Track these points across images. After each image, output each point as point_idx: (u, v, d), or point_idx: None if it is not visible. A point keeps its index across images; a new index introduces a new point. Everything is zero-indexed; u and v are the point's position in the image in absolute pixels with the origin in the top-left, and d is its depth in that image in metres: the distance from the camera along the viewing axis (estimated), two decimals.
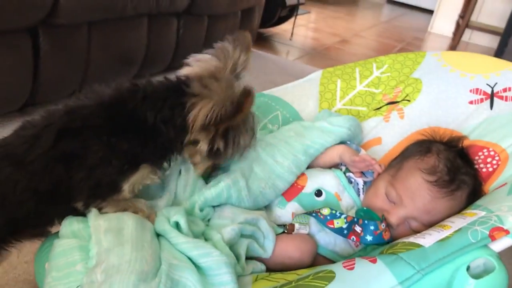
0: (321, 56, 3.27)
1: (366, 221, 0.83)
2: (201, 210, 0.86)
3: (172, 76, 0.84)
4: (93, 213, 0.78)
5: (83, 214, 0.79)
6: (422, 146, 0.94)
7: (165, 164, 0.85)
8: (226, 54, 0.85)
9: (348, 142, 1.01)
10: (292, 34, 3.41)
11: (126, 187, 0.79)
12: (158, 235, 0.78)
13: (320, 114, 1.11)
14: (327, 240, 0.88)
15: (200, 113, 0.76)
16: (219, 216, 0.86)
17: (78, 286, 0.69)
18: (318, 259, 0.86)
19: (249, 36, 0.88)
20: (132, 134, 0.78)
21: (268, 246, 0.82)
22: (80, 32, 1.64)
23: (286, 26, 3.55)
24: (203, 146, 0.81)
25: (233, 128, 0.81)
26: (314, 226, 0.88)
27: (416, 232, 0.83)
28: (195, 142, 0.81)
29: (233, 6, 2.50)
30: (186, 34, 2.21)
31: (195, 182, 0.89)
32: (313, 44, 3.62)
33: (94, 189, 0.77)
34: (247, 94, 0.77)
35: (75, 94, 0.83)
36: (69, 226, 0.78)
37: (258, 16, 2.86)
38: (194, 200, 0.86)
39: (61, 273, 0.71)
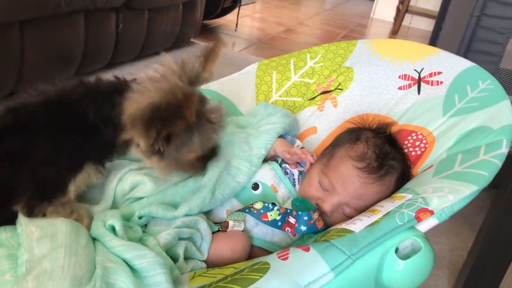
0: (266, 46, 3.29)
1: (299, 212, 0.84)
2: (140, 217, 0.84)
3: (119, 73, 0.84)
4: (23, 219, 0.75)
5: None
6: (351, 134, 0.97)
7: (108, 164, 0.84)
8: (184, 61, 0.82)
9: (283, 134, 1.02)
10: (237, 25, 3.40)
11: (72, 188, 0.78)
12: (94, 239, 0.77)
13: (257, 107, 1.12)
14: (265, 231, 0.89)
15: (131, 106, 0.74)
16: (155, 223, 0.85)
17: None
18: (256, 251, 0.87)
19: (216, 47, 0.85)
20: (76, 131, 0.76)
21: (204, 249, 0.83)
22: (12, 32, 1.58)
23: (231, 17, 3.54)
24: (142, 145, 0.78)
25: (178, 135, 0.77)
26: (251, 220, 0.88)
27: (350, 217, 0.86)
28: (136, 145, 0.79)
29: None
30: (126, 29, 2.17)
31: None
32: (258, 34, 3.62)
33: (40, 188, 0.75)
34: (186, 100, 0.73)
35: (16, 94, 0.81)
36: None
37: (201, 7, 2.83)
38: (134, 208, 0.85)
39: None
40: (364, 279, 0.72)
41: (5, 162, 0.73)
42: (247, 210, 0.87)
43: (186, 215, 0.85)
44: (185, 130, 0.76)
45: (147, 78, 0.79)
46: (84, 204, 0.83)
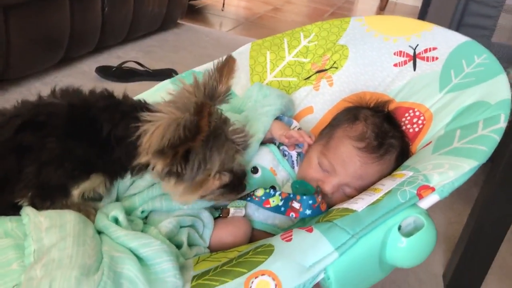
0: (254, 25, 3.25)
1: (304, 197, 0.84)
2: (142, 212, 0.84)
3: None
4: (29, 209, 0.75)
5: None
6: (350, 114, 0.96)
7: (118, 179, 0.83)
8: (198, 79, 0.78)
9: (280, 116, 1.02)
10: (223, 4, 3.36)
11: (76, 193, 0.78)
12: (99, 232, 0.77)
13: (252, 88, 1.11)
14: (266, 214, 0.89)
15: (152, 138, 0.71)
16: (156, 212, 0.85)
17: (15, 285, 0.66)
18: (258, 234, 0.87)
19: (229, 60, 0.81)
20: (88, 141, 0.76)
21: (207, 236, 0.83)
22: None
23: None
24: (158, 167, 0.74)
25: (195, 151, 0.73)
26: (252, 205, 0.88)
27: (350, 197, 0.86)
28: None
29: None
30: (112, 12, 2.14)
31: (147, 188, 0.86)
32: (245, 14, 3.58)
33: (42, 188, 0.75)
34: (199, 111, 0.70)
35: (52, 89, 0.82)
36: (1, 225, 0.74)
37: None
38: (135, 202, 0.84)
39: None
40: (368, 257, 0.72)
41: (12, 153, 0.74)
42: (248, 198, 0.87)
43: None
44: (203, 146, 0.74)
45: (163, 102, 0.77)
46: (90, 202, 0.83)
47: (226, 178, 0.81)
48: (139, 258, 0.70)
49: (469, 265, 1.21)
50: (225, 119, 0.80)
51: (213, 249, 0.83)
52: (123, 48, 2.33)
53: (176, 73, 1.23)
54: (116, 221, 0.77)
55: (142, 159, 0.74)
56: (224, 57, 0.81)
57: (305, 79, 1.17)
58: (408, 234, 0.72)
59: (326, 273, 0.70)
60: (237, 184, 0.83)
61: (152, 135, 0.71)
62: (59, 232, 0.70)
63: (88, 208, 0.80)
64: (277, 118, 1.00)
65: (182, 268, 0.71)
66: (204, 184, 0.79)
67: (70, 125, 0.76)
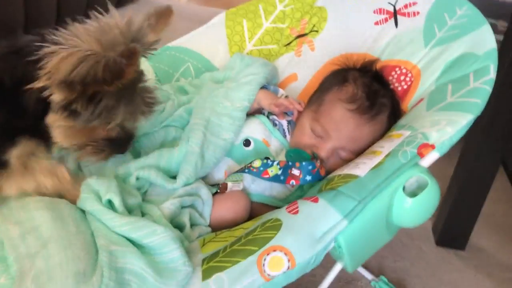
0: None
1: (303, 163, 0.82)
2: (137, 179, 0.80)
3: None
4: None
5: None
6: (338, 77, 0.95)
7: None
8: (131, 19, 0.71)
9: (266, 85, 0.99)
10: None
11: (13, 160, 0.69)
12: (83, 211, 0.71)
13: (233, 59, 1.07)
14: (263, 186, 0.87)
15: (61, 64, 0.62)
16: (154, 191, 0.82)
17: None
18: (256, 207, 0.85)
19: (168, 11, 0.76)
20: None
21: (207, 214, 0.81)
22: None
23: None
24: (57, 98, 0.65)
25: (106, 94, 0.66)
26: (248, 177, 0.86)
27: (346, 161, 0.85)
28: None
29: None
30: None
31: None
32: None
33: None
34: (129, 56, 0.63)
35: None
36: None
37: None
38: (130, 169, 0.81)
39: None
40: (376, 221, 0.72)
41: None
42: (246, 170, 0.84)
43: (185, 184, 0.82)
44: (114, 94, 0.66)
45: (83, 29, 0.68)
46: (52, 161, 0.74)
47: (114, 133, 0.74)
48: (141, 246, 0.67)
49: (458, 217, 1.24)
50: (142, 72, 0.73)
51: (214, 227, 0.80)
52: None
53: None
54: (110, 204, 0.72)
55: (40, 83, 0.64)
56: (164, 7, 0.76)
57: (286, 45, 1.14)
58: (412, 194, 0.72)
59: (336, 241, 0.69)
60: (122, 144, 0.77)
61: (62, 60, 0.62)
62: (35, 238, 0.63)
63: (58, 171, 0.73)
64: (263, 88, 0.97)
65: (189, 252, 0.68)
66: (93, 131, 0.72)
67: None
